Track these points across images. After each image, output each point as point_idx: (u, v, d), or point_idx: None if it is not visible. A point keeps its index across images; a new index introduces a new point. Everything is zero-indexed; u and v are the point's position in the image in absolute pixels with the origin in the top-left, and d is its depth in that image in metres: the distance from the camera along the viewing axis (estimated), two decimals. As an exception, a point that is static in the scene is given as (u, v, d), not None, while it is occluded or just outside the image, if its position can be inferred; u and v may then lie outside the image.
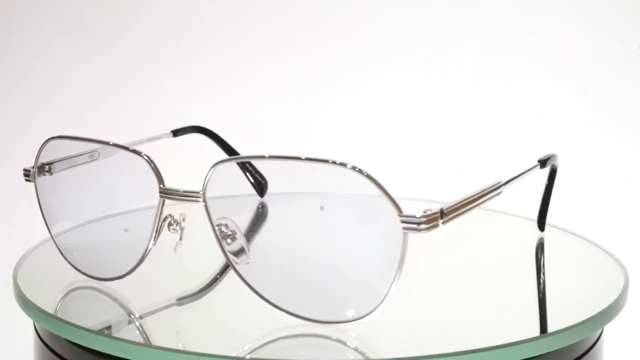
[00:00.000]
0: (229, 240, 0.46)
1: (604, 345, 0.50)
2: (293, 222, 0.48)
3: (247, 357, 0.42)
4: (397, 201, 0.41)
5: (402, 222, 0.41)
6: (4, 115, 0.93)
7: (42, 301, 0.47)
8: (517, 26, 0.83)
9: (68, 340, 0.45)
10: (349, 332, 0.45)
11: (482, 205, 0.65)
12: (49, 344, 0.48)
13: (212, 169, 0.45)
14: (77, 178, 0.54)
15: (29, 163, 0.56)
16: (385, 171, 0.80)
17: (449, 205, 0.42)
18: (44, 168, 0.54)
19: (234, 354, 0.42)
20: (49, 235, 0.54)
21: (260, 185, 0.69)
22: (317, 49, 0.86)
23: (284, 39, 0.87)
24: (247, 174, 0.68)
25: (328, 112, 0.87)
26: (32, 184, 0.54)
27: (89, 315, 0.49)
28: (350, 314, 0.44)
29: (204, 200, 0.46)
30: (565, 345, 0.44)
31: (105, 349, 0.43)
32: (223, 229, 0.45)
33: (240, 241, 0.45)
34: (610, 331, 0.51)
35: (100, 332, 0.44)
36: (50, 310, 0.46)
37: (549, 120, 0.83)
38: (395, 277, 0.42)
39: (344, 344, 0.45)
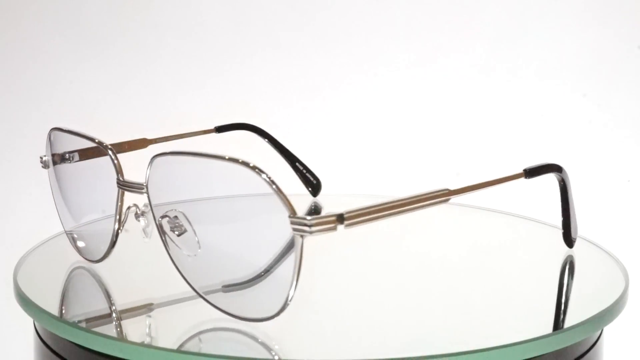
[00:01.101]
0: (176, 232, 0.46)
1: (603, 346, 0.50)
2: (215, 222, 0.48)
3: (247, 357, 0.42)
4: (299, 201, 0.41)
5: (292, 223, 0.40)
6: (4, 114, 0.93)
7: (42, 301, 0.47)
8: (518, 26, 0.83)
9: (68, 340, 0.45)
10: (356, 331, 0.45)
11: (482, 206, 0.65)
12: (49, 343, 0.48)
13: (150, 163, 0.46)
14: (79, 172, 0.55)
15: (29, 163, 0.56)
16: (385, 171, 0.80)
17: (351, 210, 0.41)
18: (63, 156, 0.56)
19: (234, 354, 0.42)
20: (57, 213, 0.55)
21: (312, 185, 0.67)
22: (317, 49, 0.86)
23: (284, 39, 0.87)
24: (298, 174, 0.67)
25: (328, 112, 0.87)
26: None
27: (89, 315, 0.49)
28: (260, 314, 0.44)
29: (147, 192, 0.47)
30: (565, 345, 0.44)
31: (105, 349, 0.43)
32: (168, 220, 0.46)
33: (188, 234, 0.46)
34: (610, 331, 0.51)
35: (100, 332, 0.44)
36: (50, 309, 0.46)
37: (549, 120, 0.83)
38: (292, 280, 0.41)
39: (353, 343, 0.45)
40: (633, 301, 0.52)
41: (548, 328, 0.44)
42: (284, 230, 0.41)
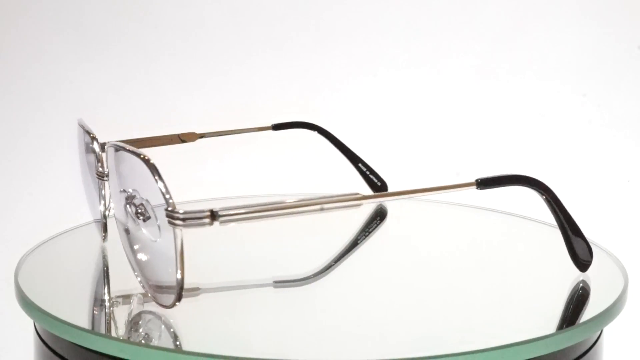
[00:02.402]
0: (141, 218, 0.47)
1: (603, 346, 0.50)
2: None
3: (248, 357, 0.42)
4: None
5: (167, 216, 0.42)
6: (4, 115, 0.93)
7: (42, 301, 0.47)
8: (517, 26, 0.83)
9: (68, 341, 0.45)
10: (357, 331, 0.45)
11: (482, 206, 0.65)
12: (50, 343, 0.48)
13: (107, 152, 0.47)
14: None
15: (29, 163, 0.56)
16: (385, 171, 0.80)
17: (225, 207, 0.42)
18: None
19: (234, 354, 0.42)
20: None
21: (376, 187, 0.65)
22: (317, 49, 0.86)
23: (283, 39, 0.87)
24: (361, 175, 0.65)
25: (328, 112, 0.87)
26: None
27: (89, 315, 0.49)
28: (164, 301, 0.46)
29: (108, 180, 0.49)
30: (564, 346, 0.44)
31: (105, 350, 0.43)
32: (134, 205, 0.47)
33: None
34: (609, 332, 0.51)
35: (100, 333, 0.44)
36: (51, 310, 0.46)
37: (549, 120, 0.83)
38: (176, 270, 0.43)
39: (354, 342, 0.45)
40: (632, 301, 0.52)
41: (548, 328, 0.44)
42: (165, 223, 0.43)
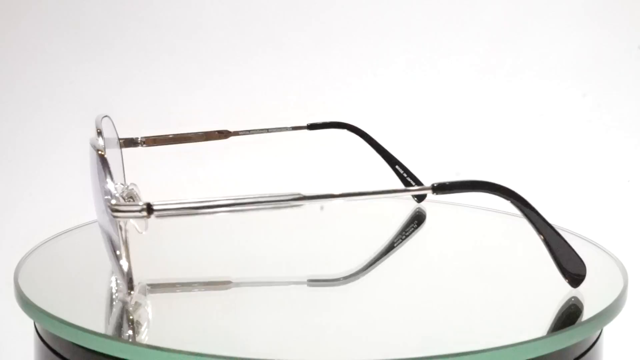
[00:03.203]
0: (131, 200, 0.50)
1: (603, 346, 0.50)
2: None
3: (248, 357, 0.42)
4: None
5: (107, 207, 0.43)
6: (4, 115, 0.93)
7: (42, 301, 0.47)
8: (517, 26, 0.83)
9: (68, 341, 0.45)
10: (356, 331, 0.45)
11: (483, 206, 0.65)
12: (50, 343, 0.48)
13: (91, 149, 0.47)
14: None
15: (29, 163, 0.56)
16: (385, 170, 0.80)
17: (160, 202, 0.44)
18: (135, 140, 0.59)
19: (234, 354, 0.42)
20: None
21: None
22: (317, 49, 0.86)
23: (284, 39, 0.87)
24: (399, 177, 0.64)
25: (327, 112, 0.87)
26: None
27: (89, 315, 0.49)
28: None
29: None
30: (564, 346, 0.44)
31: (105, 350, 0.43)
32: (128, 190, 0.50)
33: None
34: (609, 331, 0.51)
35: (100, 333, 0.44)
36: (51, 310, 0.46)
37: (548, 120, 0.83)
38: (118, 257, 0.45)
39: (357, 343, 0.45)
40: (632, 301, 0.52)
41: (547, 328, 0.44)
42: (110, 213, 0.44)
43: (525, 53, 0.83)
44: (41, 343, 0.49)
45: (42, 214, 0.90)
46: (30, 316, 0.47)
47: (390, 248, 0.59)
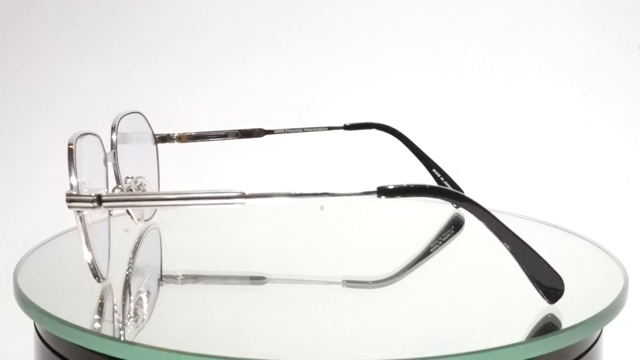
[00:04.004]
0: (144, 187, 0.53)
1: (603, 346, 0.50)
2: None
3: (248, 357, 0.42)
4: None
5: (65, 195, 0.46)
6: (4, 115, 0.93)
7: (42, 301, 0.47)
8: (517, 26, 0.83)
9: (68, 341, 0.45)
10: (356, 331, 0.45)
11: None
12: (50, 343, 0.48)
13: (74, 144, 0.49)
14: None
15: (29, 162, 0.56)
16: (385, 170, 0.80)
17: (109, 194, 0.47)
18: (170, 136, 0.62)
19: (234, 354, 0.42)
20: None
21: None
22: (317, 49, 0.86)
23: (284, 39, 0.87)
24: (435, 181, 0.64)
25: (327, 112, 0.87)
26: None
27: (89, 315, 0.49)
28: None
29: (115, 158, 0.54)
30: (564, 345, 0.44)
31: (106, 350, 0.43)
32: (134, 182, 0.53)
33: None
34: (609, 331, 0.51)
35: (100, 333, 0.44)
36: (51, 310, 0.46)
37: (548, 120, 0.83)
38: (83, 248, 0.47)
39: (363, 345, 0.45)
40: (632, 301, 0.52)
41: (548, 328, 0.44)
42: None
43: (526, 53, 0.83)
44: (41, 343, 0.49)
45: (42, 214, 0.90)
46: (30, 316, 0.47)
47: (426, 253, 0.58)
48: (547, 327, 0.46)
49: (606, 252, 0.56)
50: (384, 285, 0.52)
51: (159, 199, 0.47)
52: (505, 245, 0.45)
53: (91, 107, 0.90)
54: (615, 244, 0.59)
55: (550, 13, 0.83)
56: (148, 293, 0.52)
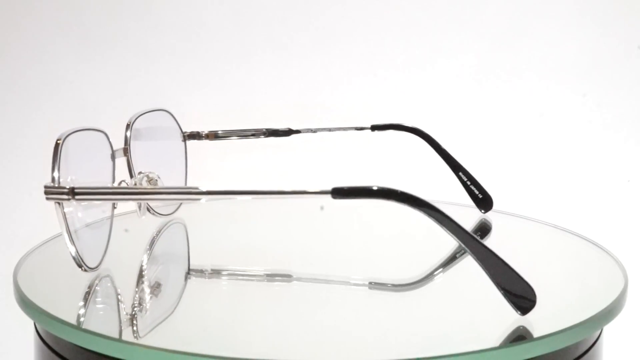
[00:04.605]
0: (155, 182, 0.55)
1: (603, 346, 0.50)
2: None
3: (249, 357, 0.42)
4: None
5: (44, 188, 0.48)
6: (4, 115, 0.93)
7: (42, 302, 0.47)
8: (517, 26, 0.83)
9: (68, 341, 0.45)
10: (356, 331, 0.45)
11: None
12: (50, 343, 0.48)
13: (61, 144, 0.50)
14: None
15: (29, 162, 0.56)
16: (386, 171, 0.80)
17: (81, 186, 0.48)
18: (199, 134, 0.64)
19: (234, 354, 0.42)
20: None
21: (477, 200, 0.62)
22: (317, 49, 0.86)
23: (284, 39, 0.87)
24: (462, 184, 0.63)
25: (327, 112, 0.87)
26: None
27: (89, 315, 0.49)
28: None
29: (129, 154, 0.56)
30: (564, 345, 0.44)
31: (106, 351, 0.43)
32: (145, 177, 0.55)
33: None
34: (609, 331, 0.51)
35: (100, 333, 0.44)
36: (51, 310, 0.46)
37: (548, 120, 0.83)
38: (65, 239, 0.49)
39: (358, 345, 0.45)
40: (632, 301, 0.52)
41: (548, 328, 0.44)
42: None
43: (526, 53, 0.83)
44: (41, 343, 0.49)
45: (42, 214, 0.90)
46: (30, 316, 0.47)
47: (452, 259, 0.57)
48: (548, 326, 0.46)
49: (606, 252, 0.56)
50: (409, 289, 0.52)
51: (123, 193, 0.49)
52: (470, 254, 0.44)
53: (91, 107, 0.90)
54: (615, 244, 0.59)
55: (550, 13, 0.83)
56: (157, 289, 0.52)
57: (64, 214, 0.48)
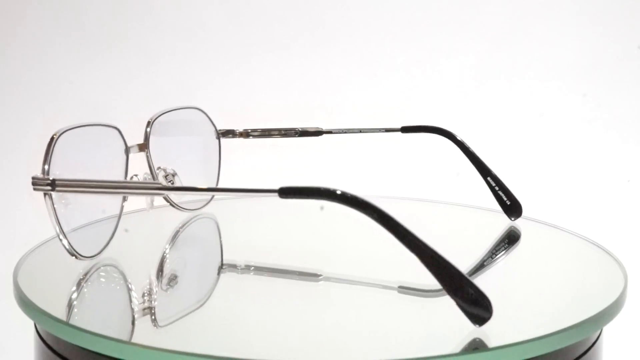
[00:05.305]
0: (171, 177, 0.57)
1: (603, 346, 0.50)
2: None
3: (248, 357, 0.42)
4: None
5: (31, 179, 0.51)
6: (5, 115, 0.93)
7: (42, 302, 0.47)
8: (517, 26, 0.83)
9: (68, 341, 0.45)
10: (355, 331, 0.45)
11: (480, 205, 0.65)
12: (50, 343, 0.48)
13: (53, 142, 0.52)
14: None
15: (30, 162, 0.56)
16: (386, 171, 0.80)
17: (62, 178, 0.51)
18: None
19: (235, 355, 0.42)
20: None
21: (505, 206, 0.61)
22: (317, 49, 0.86)
23: (284, 39, 0.87)
24: (490, 189, 0.62)
25: (328, 112, 0.87)
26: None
27: (89, 315, 0.49)
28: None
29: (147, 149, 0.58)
30: (564, 345, 0.44)
31: (106, 351, 0.43)
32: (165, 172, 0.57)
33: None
34: (609, 331, 0.51)
35: (100, 334, 0.44)
36: (51, 311, 0.46)
37: (548, 120, 0.83)
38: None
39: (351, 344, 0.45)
40: (632, 301, 0.52)
41: (548, 328, 0.44)
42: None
43: (526, 53, 0.83)
44: (41, 343, 0.48)
45: (42, 214, 0.90)
46: (30, 317, 0.47)
47: (480, 267, 0.56)
48: (548, 326, 0.46)
49: (606, 252, 0.56)
50: (438, 295, 0.51)
51: (97, 186, 0.51)
52: (418, 258, 0.43)
53: (91, 107, 0.90)
54: (615, 244, 0.59)
55: (550, 13, 0.83)
56: (166, 287, 0.52)
57: (52, 205, 0.51)
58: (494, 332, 0.46)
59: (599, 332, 0.49)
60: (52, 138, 0.52)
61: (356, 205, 0.42)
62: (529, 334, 0.43)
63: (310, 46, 0.87)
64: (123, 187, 0.52)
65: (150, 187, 0.50)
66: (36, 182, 0.51)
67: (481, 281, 0.53)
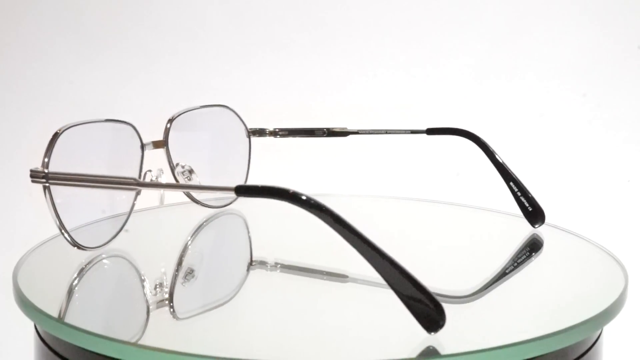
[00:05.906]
0: (188, 174, 0.59)
1: (603, 346, 0.50)
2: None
3: (248, 357, 0.42)
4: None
5: (29, 171, 0.52)
6: (5, 115, 0.93)
7: (42, 302, 0.47)
8: (517, 26, 0.83)
9: (68, 342, 0.45)
10: (355, 331, 0.45)
11: (480, 205, 0.65)
12: (50, 343, 0.48)
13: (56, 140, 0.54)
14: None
15: (30, 163, 0.56)
16: (386, 171, 0.80)
17: (55, 172, 0.52)
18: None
19: (235, 355, 0.42)
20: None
21: (526, 212, 0.61)
22: (317, 49, 0.86)
23: (284, 39, 0.87)
24: (512, 194, 0.61)
25: (327, 112, 0.87)
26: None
27: (89, 316, 0.49)
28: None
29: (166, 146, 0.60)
30: (564, 345, 0.44)
31: (106, 351, 0.43)
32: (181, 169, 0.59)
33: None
34: (609, 331, 0.51)
35: (100, 335, 0.44)
36: (51, 311, 0.46)
37: (548, 120, 0.83)
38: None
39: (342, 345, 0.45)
40: (632, 301, 0.52)
41: (548, 328, 0.44)
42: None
43: (526, 53, 0.83)
44: (41, 343, 0.48)
45: (42, 214, 0.90)
46: (30, 317, 0.47)
47: (502, 275, 0.55)
48: (548, 326, 0.46)
49: (606, 252, 0.56)
50: (459, 302, 0.51)
51: (79, 180, 0.52)
52: (366, 259, 0.42)
53: (91, 107, 0.90)
54: (615, 244, 0.59)
55: (550, 13, 0.83)
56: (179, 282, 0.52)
57: (51, 197, 0.53)
58: (494, 333, 0.46)
59: (599, 332, 0.49)
60: (55, 134, 0.53)
61: (307, 206, 0.41)
62: (529, 334, 0.43)
63: (311, 46, 0.87)
64: (105, 182, 0.53)
65: (126, 183, 0.52)
66: (33, 175, 0.52)
67: (480, 280, 0.54)
